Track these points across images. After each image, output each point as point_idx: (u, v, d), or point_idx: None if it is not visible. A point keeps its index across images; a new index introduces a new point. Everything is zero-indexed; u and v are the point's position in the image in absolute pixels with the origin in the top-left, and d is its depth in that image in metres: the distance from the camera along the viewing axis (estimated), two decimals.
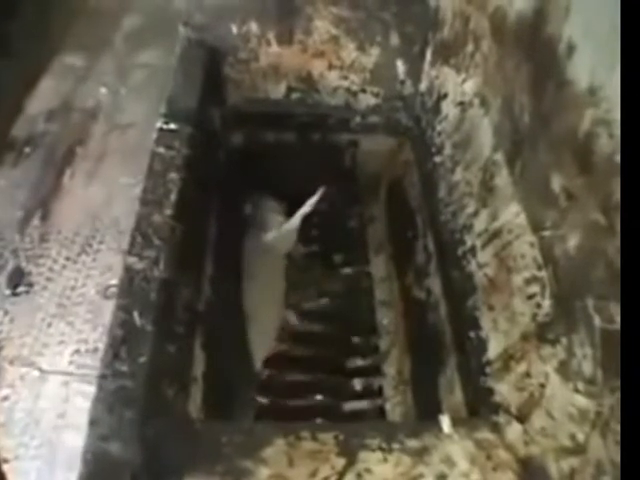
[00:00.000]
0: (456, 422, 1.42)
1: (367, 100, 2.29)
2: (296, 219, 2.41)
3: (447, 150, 1.96)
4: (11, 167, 1.87)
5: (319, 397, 2.17)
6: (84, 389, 1.37)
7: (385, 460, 1.29)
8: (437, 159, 2.02)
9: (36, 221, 1.75)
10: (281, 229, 2.45)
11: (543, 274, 1.32)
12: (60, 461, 1.27)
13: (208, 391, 1.64)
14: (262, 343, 2.26)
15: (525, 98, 1.45)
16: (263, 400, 2.13)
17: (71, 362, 1.45)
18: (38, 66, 2.19)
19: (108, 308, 1.40)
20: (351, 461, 1.28)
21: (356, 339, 2.41)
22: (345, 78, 2.23)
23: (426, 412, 1.92)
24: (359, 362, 2.33)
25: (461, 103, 1.87)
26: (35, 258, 1.67)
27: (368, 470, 1.27)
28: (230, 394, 1.97)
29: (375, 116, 2.33)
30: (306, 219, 2.44)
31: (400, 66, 2.21)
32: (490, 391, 1.49)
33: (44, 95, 2.13)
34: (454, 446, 1.35)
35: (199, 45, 2.06)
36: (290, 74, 2.21)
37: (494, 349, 1.51)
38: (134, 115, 2.11)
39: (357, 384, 2.25)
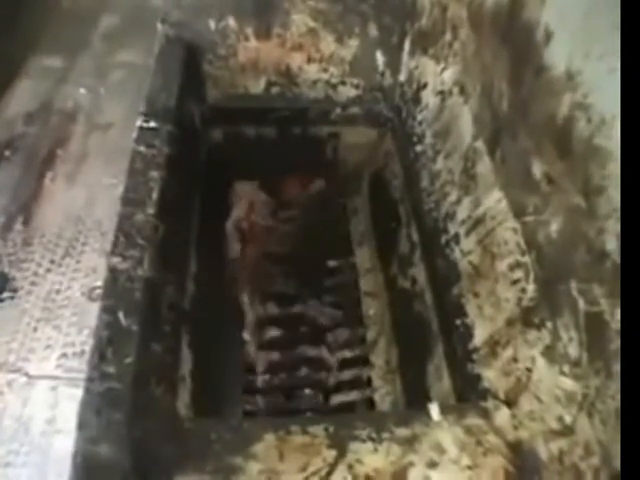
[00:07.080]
0: (445, 409, 1.43)
1: (347, 92, 2.29)
2: None
3: (428, 139, 1.96)
4: None
5: (307, 391, 2.17)
6: (72, 393, 1.36)
7: (375, 450, 1.30)
8: (418, 149, 2.02)
9: (18, 225, 1.74)
10: None
11: (527, 259, 1.33)
12: (51, 467, 1.27)
13: (196, 389, 1.64)
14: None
15: (504, 85, 1.46)
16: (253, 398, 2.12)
17: (58, 366, 1.45)
18: (12, 68, 2.17)
19: (94, 310, 1.39)
20: (342, 453, 1.28)
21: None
22: (324, 70, 2.22)
23: (415, 401, 1.93)
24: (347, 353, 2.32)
25: (441, 92, 1.88)
26: (19, 263, 1.67)
27: (359, 461, 1.27)
28: (218, 392, 1.96)
29: (355, 108, 2.33)
30: None
31: (379, 57, 2.21)
32: (478, 377, 1.50)
33: (23, 97, 2.12)
34: (444, 433, 1.36)
35: (177, 42, 2.04)
36: (269, 68, 2.20)
37: (480, 335, 1.52)
38: (114, 115, 2.10)
39: (345, 376, 2.24)
